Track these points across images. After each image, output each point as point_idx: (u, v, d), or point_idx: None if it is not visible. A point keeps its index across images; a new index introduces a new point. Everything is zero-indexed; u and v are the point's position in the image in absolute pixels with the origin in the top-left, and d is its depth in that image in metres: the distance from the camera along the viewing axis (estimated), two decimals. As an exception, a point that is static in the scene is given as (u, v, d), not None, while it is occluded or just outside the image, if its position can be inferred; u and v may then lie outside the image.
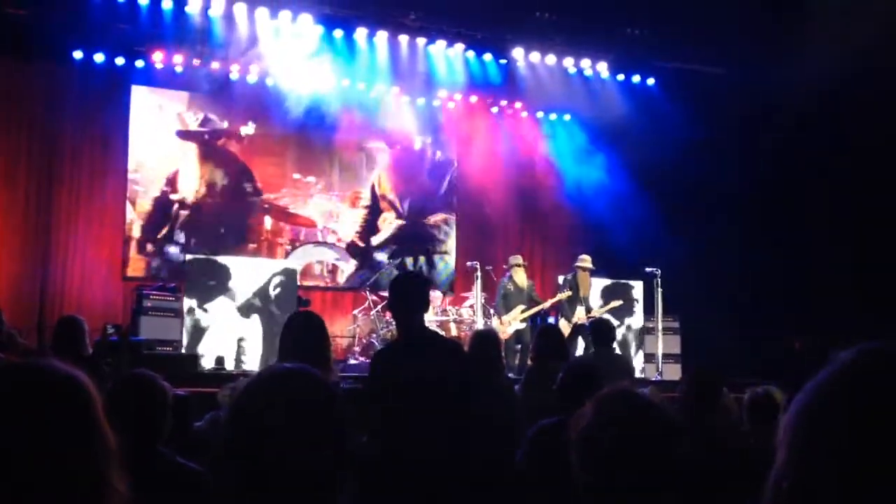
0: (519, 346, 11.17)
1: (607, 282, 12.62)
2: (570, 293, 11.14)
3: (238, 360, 10.55)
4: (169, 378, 3.60)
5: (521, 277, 11.36)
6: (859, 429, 1.01)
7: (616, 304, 11.67)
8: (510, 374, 8.98)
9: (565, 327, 10.83)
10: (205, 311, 10.69)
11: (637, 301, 12.81)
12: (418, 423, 4.27)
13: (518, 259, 11.52)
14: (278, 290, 11.03)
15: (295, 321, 4.66)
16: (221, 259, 11.39)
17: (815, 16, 10.06)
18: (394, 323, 11.27)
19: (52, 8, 11.47)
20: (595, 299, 11.80)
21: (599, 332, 7.51)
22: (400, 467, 4.26)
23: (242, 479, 1.66)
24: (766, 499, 1.08)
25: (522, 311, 11.17)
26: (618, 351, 8.14)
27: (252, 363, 10.40)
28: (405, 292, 4.64)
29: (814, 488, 1.02)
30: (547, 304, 11.40)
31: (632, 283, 12.92)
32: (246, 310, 10.84)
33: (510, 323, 11.14)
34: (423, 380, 4.33)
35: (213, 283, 10.81)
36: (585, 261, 11.38)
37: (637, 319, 12.85)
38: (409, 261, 14.45)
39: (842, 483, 1.00)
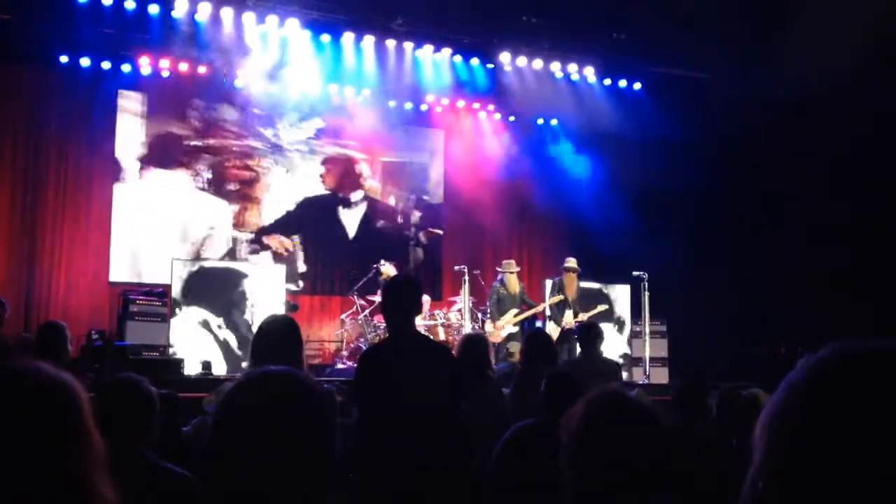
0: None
1: (589, 287, 12.56)
2: (561, 297, 11.15)
3: (225, 365, 10.55)
4: (155, 383, 3.58)
5: (512, 282, 11.34)
6: (827, 429, 1.02)
7: (601, 308, 11.65)
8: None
9: (554, 331, 10.81)
10: (191, 315, 10.68)
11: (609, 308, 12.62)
12: (405, 424, 4.27)
13: (511, 264, 11.49)
14: (264, 294, 11.03)
15: (268, 325, 4.64)
16: (208, 264, 11.37)
17: (799, 21, 10.11)
18: (382, 327, 11.35)
19: (38, 12, 11.42)
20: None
21: (586, 335, 7.52)
22: (386, 468, 4.26)
23: (229, 483, 1.65)
24: (743, 499, 1.09)
25: (515, 315, 11.17)
26: (605, 354, 8.12)
27: (238, 368, 10.38)
28: (398, 295, 4.66)
29: (787, 489, 1.03)
30: (539, 308, 11.36)
31: (613, 287, 12.94)
32: (231, 314, 10.83)
33: (503, 327, 11.13)
34: (411, 381, 4.33)
35: (199, 287, 10.80)
36: (570, 262, 11.36)
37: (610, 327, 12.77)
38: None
39: (812, 483, 1.01)
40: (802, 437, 1.03)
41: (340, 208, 14.52)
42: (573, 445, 2.05)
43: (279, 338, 4.34)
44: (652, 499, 2.01)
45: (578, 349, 8.22)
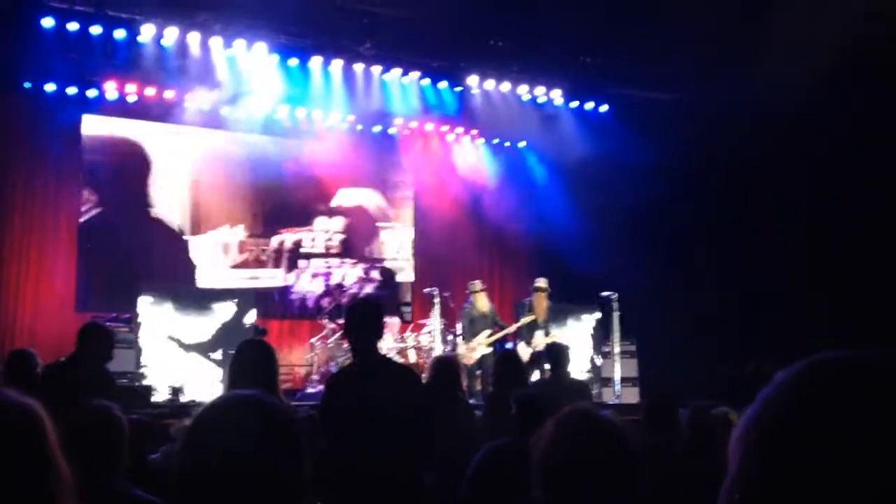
0: (479, 372, 11.14)
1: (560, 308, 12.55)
2: (533, 317, 11.13)
3: (193, 392, 10.43)
4: (124, 409, 3.55)
5: (482, 302, 11.36)
6: (803, 437, 1.03)
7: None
8: (472, 400, 8.95)
9: (525, 353, 10.79)
10: (159, 341, 10.57)
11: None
12: (371, 447, 4.26)
13: (477, 285, 11.49)
14: (234, 319, 10.95)
15: (244, 349, 4.64)
16: (176, 289, 11.27)
17: (766, 42, 10.23)
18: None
19: (1, 38, 11.31)
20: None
21: (555, 356, 7.56)
22: (354, 490, 4.24)
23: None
24: None
25: (489, 336, 11.16)
26: (574, 375, 8.15)
27: (207, 395, 10.26)
28: (361, 318, 4.66)
29: (763, 499, 1.04)
30: (512, 329, 11.31)
31: (583, 308, 12.94)
32: (201, 340, 10.73)
33: (475, 348, 11.11)
34: (377, 405, 4.33)
35: (167, 313, 10.70)
36: (539, 282, 11.38)
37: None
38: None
39: (788, 492, 1.02)
40: (774, 453, 1.04)
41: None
42: (543, 463, 2.06)
43: (255, 362, 4.34)
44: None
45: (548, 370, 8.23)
